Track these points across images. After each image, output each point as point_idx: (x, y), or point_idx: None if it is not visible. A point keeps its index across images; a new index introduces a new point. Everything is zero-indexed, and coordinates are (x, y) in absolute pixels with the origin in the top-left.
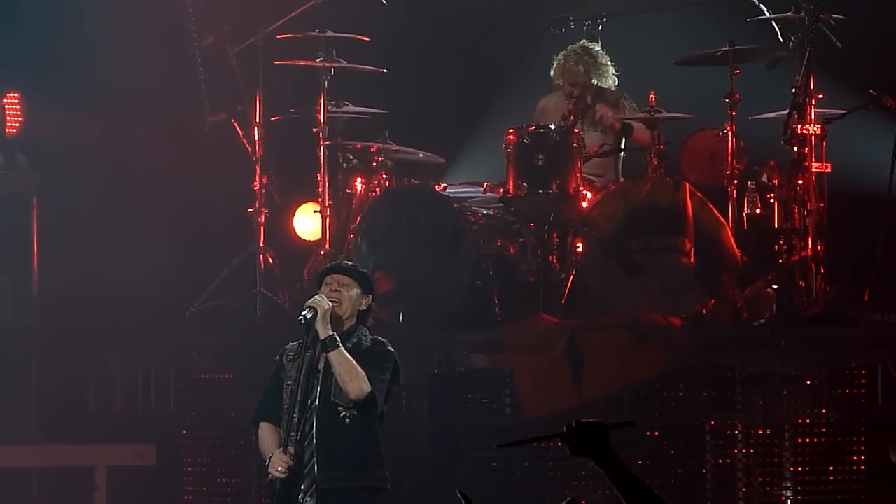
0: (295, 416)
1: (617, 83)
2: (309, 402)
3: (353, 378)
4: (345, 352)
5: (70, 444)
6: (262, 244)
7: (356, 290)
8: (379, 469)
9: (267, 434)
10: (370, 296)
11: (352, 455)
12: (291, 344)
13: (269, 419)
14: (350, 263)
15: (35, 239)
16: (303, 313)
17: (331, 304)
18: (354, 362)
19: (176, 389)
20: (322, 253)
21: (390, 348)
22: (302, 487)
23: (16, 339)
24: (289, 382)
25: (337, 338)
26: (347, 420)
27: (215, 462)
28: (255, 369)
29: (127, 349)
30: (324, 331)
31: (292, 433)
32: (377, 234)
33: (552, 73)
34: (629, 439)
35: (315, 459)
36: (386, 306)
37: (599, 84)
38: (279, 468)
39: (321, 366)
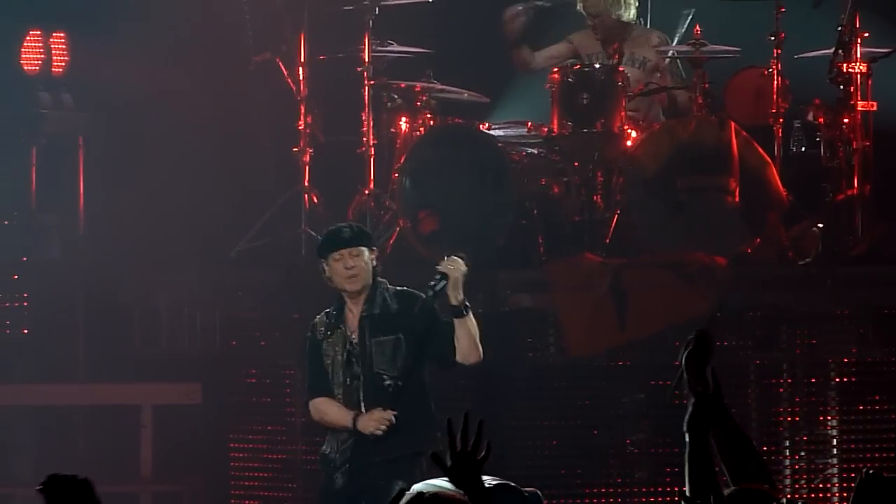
0: (340, 392)
1: (634, 16)
2: (352, 378)
3: (474, 346)
4: (472, 319)
5: (116, 383)
6: (306, 184)
7: (366, 254)
8: (435, 432)
9: (331, 405)
10: (374, 248)
11: (407, 422)
12: (318, 318)
13: (324, 393)
14: (347, 228)
15: (81, 178)
16: (436, 278)
17: (465, 269)
18: (477, 330)
19: (221, 328)
20: (366, 193)
21: (419, 299)
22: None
23: (62, 277)
24: (328, 361)
25: (467, 305)
26: (391, 389)
27: (260, 401)
28: (299, 309)
29: (173, 288)
30: (455, 297)
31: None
32: (421, 173)
33: (578, 5)
34: (675, 378)
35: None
36: (429, 245)
37: (621, 16)
38: (382, 426)
39: (355, 339)
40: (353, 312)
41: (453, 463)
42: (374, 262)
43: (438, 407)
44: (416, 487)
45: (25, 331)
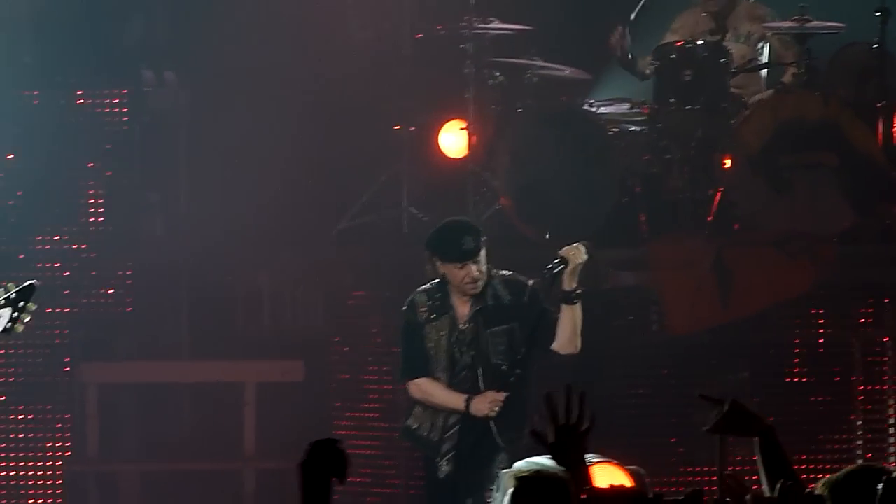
0: (445, 377)
1: None
2: (461, 367)
3: (574, 337)
4: (579, 310)
5: (219, 361)
6: (408, 161)
7: (484, 255)
8: (533, 413)
9: (436, 387)
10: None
11: (520, 409)
12: (418, 296)
13: (424, 374)
14: (468, 238)
15: (184, 156)
16: (554, 262)
17: (586, 257)
18: (580, 322)
19: (324, 306)
20: (467, 171)
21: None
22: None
23: (166, 255)
24: (430, 344)
25: (579, 293)
26: (509, 379)
27: (361, 378)
28: (401, 287)
29: (276, 266)
30: (569, 283)
31: None
32: (523, 150)
33: None
34: (778, 356)
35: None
36: (529, 224)
37: None
38: (496, 408)
39: (466, 327)
40: (463, 300)
41: (556, 438)
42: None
43: (539, 387)
44: (518, 466)
45: (129, 309)
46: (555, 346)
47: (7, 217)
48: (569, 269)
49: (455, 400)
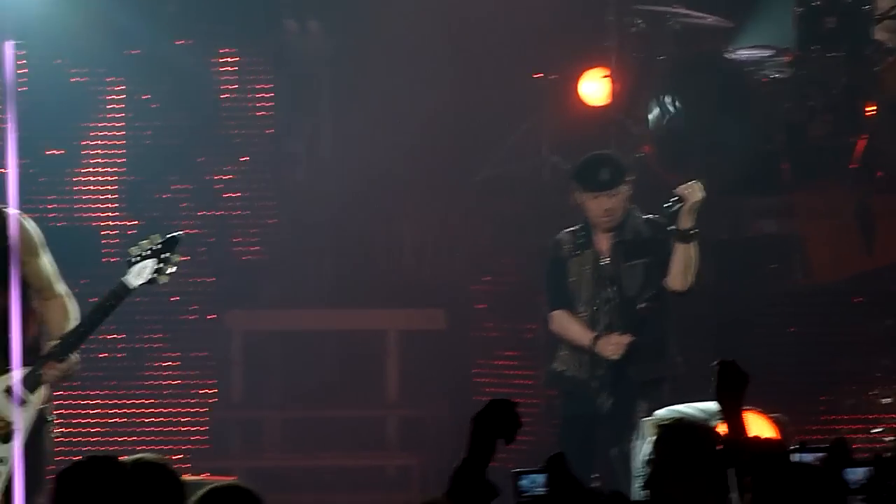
0: (585, 311)
1: None
2: (602, 300)
3: (686, 274)
4: (695, 248)
5: (362, 309)
6: (548, 110)
7: (623, 191)
8: (676, 356)
9: (572, 321)
10: (629, 178)
11: (652, 346)
12: (562, 235)
13: (564, 307)
14: (605, 170)
15: (326, 105)
16: (671, 200)
17: (702, 195)
18: (694, 261)
19: (465, 255)
20: (609, 119)
21: (664, 228)
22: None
23: (309, 204)
24: (573, 279)
25: (695, 232)
26: (641, 313)
27: (502, 326)
28: (541, 235)
29: (417, 214)
30: (686, 221)
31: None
32: (666, 98)
33: None
34: None
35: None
36: (672, 171)
37: None
38: (620, 350)
39: (607, 261)
40: (604, 237)
41: (721, 382)
42: (629, 194)
43: (680, 332)
44: (659, 414)
45: (273, 257)
46: (667, 280)
47: (153, 162)
48: (686, 206)
49: (584, 337)
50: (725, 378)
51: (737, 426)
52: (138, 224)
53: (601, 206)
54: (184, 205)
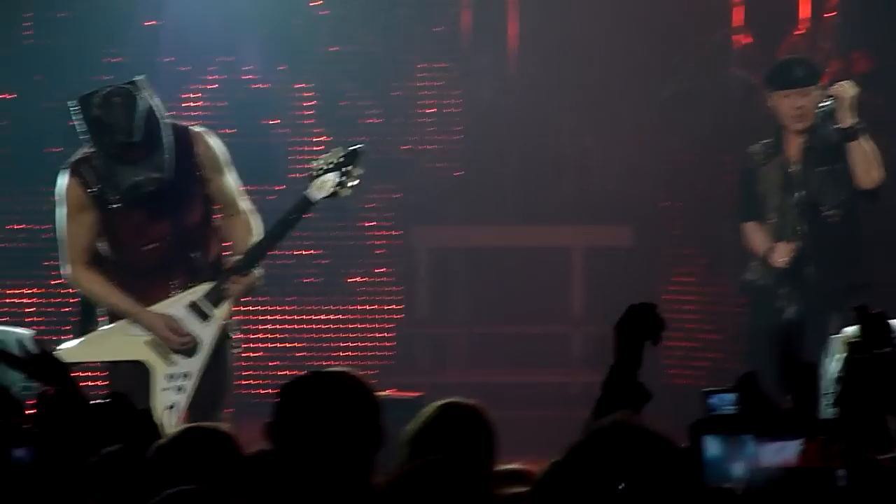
0: (774, 217)
1: None
2: (790, 207)
3: (872, 167)
4: (866, 140)
5: (547, 226)
6: (736, 24)
7: (815, 93)
8: (867, 265)
9: (755, 231)
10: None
11: (842, 254)
12: (754, 146)
13: (755, 219)
14: (799, 67)
15: (514, 18)
16: (824, 100)
17: (855, 91)
18: (872, 151)
19: (652, 171)
20: (796, 33)
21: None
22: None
23: (495, 119)
24: (762, 186)
25: (859, 127)
26: (830, 220)
27: (689, 244)
28: (728, 152)
29: (603, 131)
30: (845, 118)
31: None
32: (855, 14)
33: None
34: None
35: (803, 262)
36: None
37: None
38: (784, 258)
39: (797, 168)
40: (795, 141)
41: None
42: (821, 98)
43: (872, 242)
44: (849, 331)
45: (459, 173)
46: (858, 182)
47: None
48: (840, 104)
49: (761, 247)
50: None
51: None
52: (325, 140)
53: (793, 104)
54: (369, 120)
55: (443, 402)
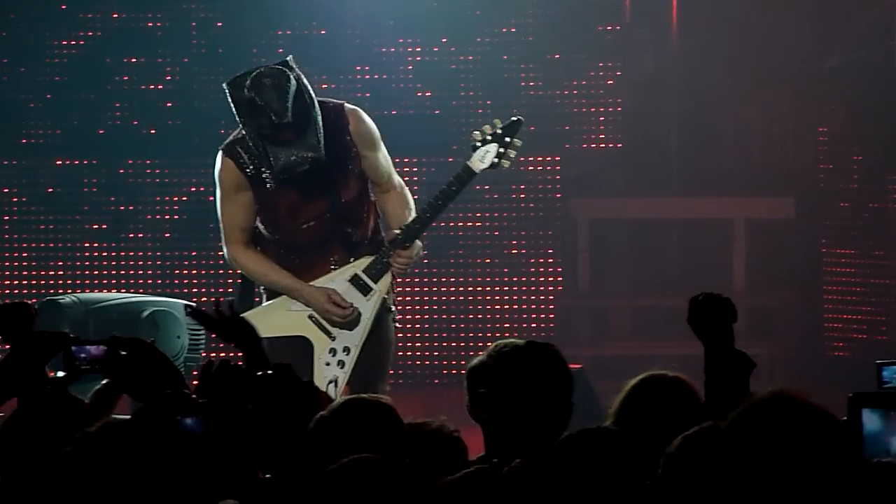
0: None
1: None
2: None
3: None
4: None
5: (709, 197)
6: None
7: None
8: None
9: None
10: None
11: None
12: None
13: None
14: None
15: None
16: None
17: None
18: None
19: (814, 142)
20: None
21: None
22: None
23: (656, 92)
24: None
25: None
26: None
27: (854, 212)
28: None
29: (766, 102)
30: None
31: None
32: None
33: None
34: None
35: None
36: None
37: None
38: None
39: None
40: None
41: None
42: None
43: None
44: None
45: (620, 145)
46: None
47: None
48: None
49: None
50: None
51: None
52: (480, 112)
53: None
54: (523, 94)
55: (646, 374)
